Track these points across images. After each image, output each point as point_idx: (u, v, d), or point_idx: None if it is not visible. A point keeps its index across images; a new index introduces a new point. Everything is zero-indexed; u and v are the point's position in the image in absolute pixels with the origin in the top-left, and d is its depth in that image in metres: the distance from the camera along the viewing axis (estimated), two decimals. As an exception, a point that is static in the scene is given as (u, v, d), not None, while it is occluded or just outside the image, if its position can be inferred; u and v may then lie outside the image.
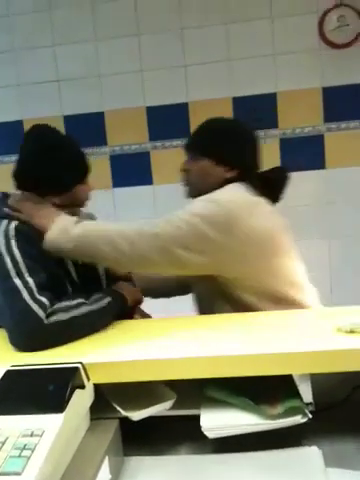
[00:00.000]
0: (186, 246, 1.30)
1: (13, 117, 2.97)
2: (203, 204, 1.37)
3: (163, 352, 1.03)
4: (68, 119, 2.99)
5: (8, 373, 0.92)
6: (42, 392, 0.88)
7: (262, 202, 1.45)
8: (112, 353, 1.07)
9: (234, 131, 1.55)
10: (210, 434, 0.97)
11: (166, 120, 2.95)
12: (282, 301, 1.41)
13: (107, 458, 0.88)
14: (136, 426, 1.00)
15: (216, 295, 1.45)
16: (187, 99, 2.94)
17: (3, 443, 0.77)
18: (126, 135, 2.96)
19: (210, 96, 2.91)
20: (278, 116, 2.90)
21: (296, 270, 1.50)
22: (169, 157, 2.88)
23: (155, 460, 1.00)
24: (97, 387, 0.98)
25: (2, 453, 0.75)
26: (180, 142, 2.85)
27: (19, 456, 0.74)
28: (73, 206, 1.46)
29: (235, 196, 1.41)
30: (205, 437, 0.97)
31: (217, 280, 1.42)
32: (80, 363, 0.94)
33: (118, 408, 0.99)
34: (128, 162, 2.97)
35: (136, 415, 0.97)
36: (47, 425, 0.80)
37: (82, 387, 0.92)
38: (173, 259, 1.31)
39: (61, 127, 2.92)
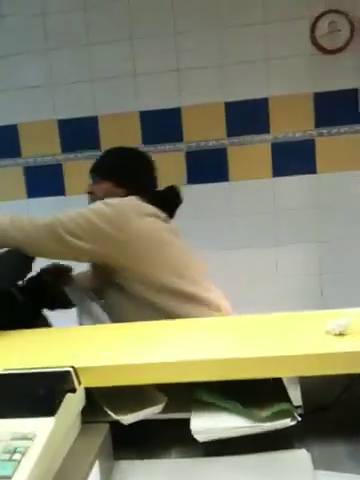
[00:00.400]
0: (77, 235, 1.56)
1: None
2: (99, 204, 1.66)
3: (153, 356, 1.04)
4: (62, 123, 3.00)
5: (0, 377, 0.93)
6: (33, 396, 0.88)
7: (150, 208, 1.73)
8: (103, 357, 1.07)
9: (132, 158, 1.88)
10: (200, 437, 0.97)
11: (159, 125, 2.97)
12: (167, 290, 1.67)
13: (97, 462, 0.88)
14: (127, 430, 1.00)
15: (113, 287, 1.72)
16: (180, 104, 2.96)
17: (-6, 447, 0.77)
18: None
19: (203, 101, 2.93)
20: (270, 121, 2.93)
21: (187, 265, 1.77)
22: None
23: (145, 464, 1.00)
24: (88, 391, 0.98)
25: (-7, 457, 0.75)
26: (173, 147, 2.87)
27: (9, 460, 0.74)
28: None
29: (128, 201, 1.71)
30: (195, 440, 0.98)
31: (111, 272, 1.67)
32: (72, 367, 0.95)
33: (109, 412, 0.99)
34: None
35: (127, 419, 0.98)
36: (38, 429, 0.81)
37: (73, 391, 0.92)
38: (65, 245, 1.56)
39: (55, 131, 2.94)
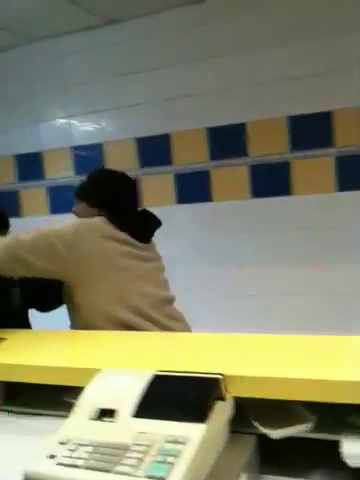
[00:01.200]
0: (34, 251, 1.64)
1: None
2: (62, 224, 1.76)
3: (306, 372, 1.01)
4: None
5: (154, 378, 0.97)
6: (185, 400, 0.90)
7: (111, 230, 1.76)
8: (252, 367, 1.07)
9: (107, 180, 1.94)
10: (351, 462, 0.92)
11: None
12: (113, 321, 1.70)
13: (244, 474, 0.88)
14: (272, 444, 0.99)
15: (71, 305, 1.82)
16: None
17: (149, 447, 0.81)
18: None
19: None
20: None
21: (140, 293, 1.77)
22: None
23: (291, 482, 0.98)
24: (237, 401, 0.98)
25: (148, 457, 0.79)
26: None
27: (164, 462, 0.77)
28: None
29: (91, 222, 1.77)
30: (343, 465, 0.93)
31: (69, 290, 1.77)
32: (221, 374, 0.95)
33: (257, 424, 0.98)
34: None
35: (275, 433, 0.96)
36: (190, 433, 0.83)
37: (222, 399, 0.93)
38: (20, 262, 1.64)
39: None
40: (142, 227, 1.90)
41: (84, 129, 3.26)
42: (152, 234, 1.93)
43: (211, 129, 2.96)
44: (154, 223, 1.96)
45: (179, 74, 2.97)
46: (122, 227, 1.79)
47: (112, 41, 3.09)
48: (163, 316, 1.79)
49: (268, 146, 2.87)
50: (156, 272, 1.92)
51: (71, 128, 3.29)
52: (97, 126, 3.22)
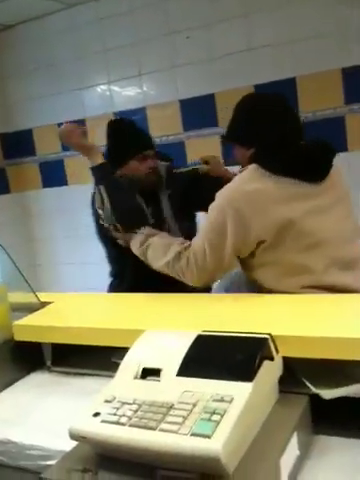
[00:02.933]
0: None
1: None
2: (209, 215, 1.48)
3: (357, 331, 0.95)
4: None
5: (199, 337, 0.94)
6: (231, 359, 0.88)
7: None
8: (303, 327, 1.02)
9: (250, 109, 1.52)
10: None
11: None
12: None
13: (296, 434, 0.85)
14: (326, 404, 0.95)
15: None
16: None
17: (194, 405, 0.78)
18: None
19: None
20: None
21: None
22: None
23: (346, 442, 0.94)
24: (287, 360, 0.94)
25: (193, 415, 0.76)
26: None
27: (209, 420, 0.75)
28: None
29: (232, 195, 1.41)
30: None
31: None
32: (269, 334, 0.92)
33: (308, 384, 0.94)
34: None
35: (328, 394, 0.92)
36: (236, 392, 0.80)
37: (271, 358, 0.89)
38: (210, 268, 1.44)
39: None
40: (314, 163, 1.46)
41: (125, 94, 3.22)
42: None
43: (258, 86, 2.86)
44: (328, 155, 1.50)
45: (222, 33, 2.86)
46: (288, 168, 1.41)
47: (152, 2, 3.01)
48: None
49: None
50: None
51: (112, 94, 3.26)
52: (139, 90, 3.17)
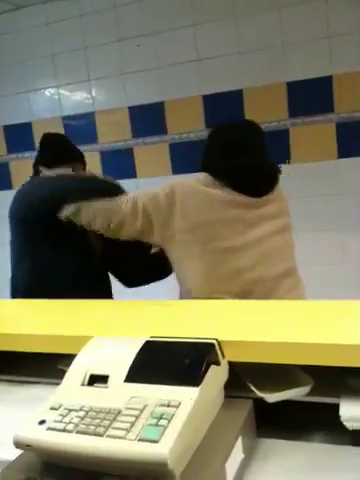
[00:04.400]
0: None
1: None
2: None
3: (302, 336, 0.99)
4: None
5: (147, 343, 0.95)
6: (178, 365, 0.88)
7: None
8: (249, 332, 1.05)
9: (207, 140, 1.79)
10: (349, 425, 0.91)
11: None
12: None
13: (241, 437, 0.87)
14: (269, 408, 0.97)
15: None
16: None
17: (141, 411, 0.79)
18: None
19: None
20: None
21: None
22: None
23: (289, 445, 0.97)
24: (231, 365, 0.96)
25: (141, 420, 0.77)
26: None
27: (156, 425, 0.75)
28: None
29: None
30: (342, 428, 0.91)
31: None
32: (215, 339, 0.93)
33: (253, 388, 0.97)
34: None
35: (272, 397, 0.95)
36: (183, 397, 0.81)
37: (217, 363, 0.91)
38: None
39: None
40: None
41: (74, 99, 3.20)
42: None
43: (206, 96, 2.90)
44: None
45: (172, 41, 2.89)
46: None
47: (102, 7, 3.00)
48: None
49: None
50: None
51: (61, 98, 3.22)
52: (87, 95, 3.15)
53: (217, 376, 0.91)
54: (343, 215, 2.76)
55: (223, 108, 2.84)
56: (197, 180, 1.65)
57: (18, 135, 3.30)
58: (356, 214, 2.73)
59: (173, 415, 0.77)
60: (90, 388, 0.88)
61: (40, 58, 3.19)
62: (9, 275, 1.92)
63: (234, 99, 2.80)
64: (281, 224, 1.70)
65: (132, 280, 1.96)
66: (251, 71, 2.79)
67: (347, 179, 2.73)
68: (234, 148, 1.67)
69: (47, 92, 3.26)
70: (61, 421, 0.79)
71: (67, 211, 1.71)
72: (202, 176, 1.66)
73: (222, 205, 1.60)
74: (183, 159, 2.89)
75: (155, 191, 1.65)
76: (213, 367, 0.89)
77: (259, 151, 1.72)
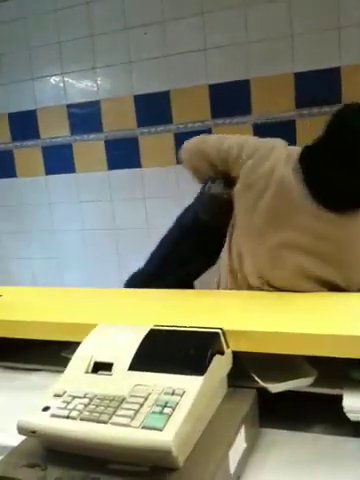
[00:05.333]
0: None
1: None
2: None
3: (307, 326, 0.99)
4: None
5: (151, 332, 0.95)
6: (183, 353, 0.88)
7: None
8: (253, 322, 1.05)
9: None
10: (352, 416, 0.91)
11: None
12: None
13: (244, 427, 0.87)
14: (272, 398, 0.97)
15: None
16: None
17: (145, 399, 0.79)
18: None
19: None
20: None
21: None
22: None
23: (291, 435, 0.97)
24: (236, 355, 0.96)
25: (145, 408, 0.77)
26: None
27: (161, 413, 0.75)
28: None
29: None
30: (344, 419, 0.92)
31: None
32: (220, 329, 0.93)
33: (256, 378, 0.97)
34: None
35: (275, 387, 0.95)
36: (187, 386, 0.81)
37: (222, 353, 0.91)
38: None
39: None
40: None
41: (79, 87, 3.18)
42: None
43: (212, 86, 2.88)
44: None
45: (179, 30, 2.87)
46: None
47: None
48: None
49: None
50: None
51: (66, 86, 3.20)
52: (93, 84, 3.13)
53: (221, 365, 0.91)
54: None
55: (229, 98, 2.83)
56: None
57: (22, 123, 3.28)
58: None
59: (177, 403, 0.77)
60: (94, 376, 0.88)
61: (46, 46, 3.17)
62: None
63: (241, 89, 2.78)
64: None
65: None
66: (257, 61, 2.77)
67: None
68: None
69: (52, 80, 3.24)
70: (65, 408, 0.79)
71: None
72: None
73: None
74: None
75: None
76: (217, 356, 0.88)
77: None
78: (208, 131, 2.84)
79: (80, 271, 3.24)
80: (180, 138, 2.96)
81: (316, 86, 2.68)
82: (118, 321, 1.11)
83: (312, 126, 2.67)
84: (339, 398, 0.93)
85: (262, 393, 0.96)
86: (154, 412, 0.76)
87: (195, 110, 2.91)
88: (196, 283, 1.70)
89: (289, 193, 1.36)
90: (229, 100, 2.84)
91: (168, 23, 2.90)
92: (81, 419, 0.77)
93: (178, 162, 1.99)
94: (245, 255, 1.43)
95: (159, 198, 3.07)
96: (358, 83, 2.58)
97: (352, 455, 0.90)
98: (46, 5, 3.14)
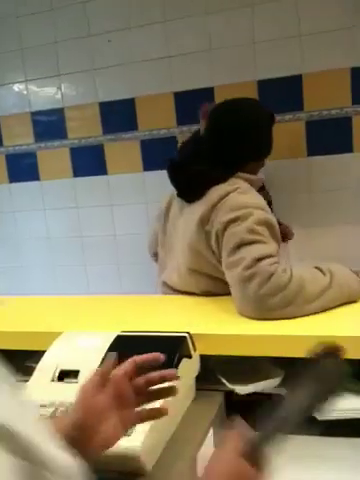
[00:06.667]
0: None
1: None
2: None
3: (272, 328, 1.00)
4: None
5: (118, 338, 0.94)
6: (150, 359, 0.88)
7: None
8: (220, 326, 1.05)
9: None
10: (319, 416, 0.92)
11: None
12: None
13: (212, 429, 0.87)
14: (240, 401, 0.98)
15: None
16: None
17: (113, 404, 0.78)
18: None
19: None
20: None
21: None
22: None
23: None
24: (204, 360, 0.97)
25: (112, 414, 0.76)
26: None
27: (127, 418, 0.75)
28: None
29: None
30: (312, 418, 0.93)
31: None
32: (187, 333, 0.93)
33: (224, 381, 0.97)
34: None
35: (242, 389, 0.95)
36: (155, 390, 0.80)
37: (189, 357, 0.91)
38: None
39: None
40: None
41: (43, 94, 3.15)
42: None
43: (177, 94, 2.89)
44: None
45: (143, 37, 2.88)
46: None
47: (73, 1, 2.96)
48: None
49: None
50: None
51: (29, 93, 3.17)
52: (57, 91, 3.11)
53: (189, 369, 0.91)
54: None
55: (194, 106, 2.84)
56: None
57: (-15, 131, 3.23)
58: None
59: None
60: (60, 384, 0.87)
61: (8, 52, 3.13)
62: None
63: (205, 97, 2.80)
64: None
65: None
66: (221, 69, 2.79)
67: None
68: None
69: (16, 87, 3.20)
70: (31, 417, 0.78)
71: None
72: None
73: None
74: (154, 156, 2.87)
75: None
76: (185, 360, 0.89)
77: None
78: (173, 138, 2.85)
79: (45, 279, 3.20)
80: (146, 145, 2.97)
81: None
82: (84, 328, 1.10)
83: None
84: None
85: (230, 396, 0.97)
86: (121, 418, 0.75)
87: (161, 117, 2.92)
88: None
89: None
90: (194, 107, 2.86)
91: (132, 30, 2.90)
92: (47, 428, 0.76)
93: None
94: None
95: (126, 205, 3.06)
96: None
97: (321, 455, 0.92)
98: (8, 11, 3.10)
